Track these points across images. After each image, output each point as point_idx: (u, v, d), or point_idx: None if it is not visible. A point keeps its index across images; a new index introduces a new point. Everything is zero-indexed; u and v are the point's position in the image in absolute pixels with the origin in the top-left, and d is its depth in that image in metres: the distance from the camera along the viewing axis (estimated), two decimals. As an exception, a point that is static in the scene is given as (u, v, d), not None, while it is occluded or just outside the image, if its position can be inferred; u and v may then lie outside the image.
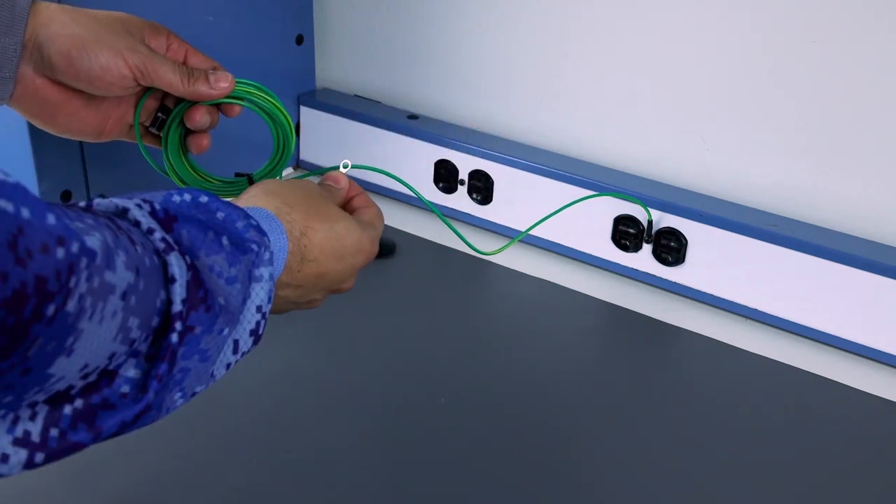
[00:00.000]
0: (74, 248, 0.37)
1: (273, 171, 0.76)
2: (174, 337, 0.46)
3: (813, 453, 0.80)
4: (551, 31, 1.05)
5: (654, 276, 1.00)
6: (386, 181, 1.16)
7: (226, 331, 0.50)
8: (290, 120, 0.74)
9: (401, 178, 0.80)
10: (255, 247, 0.53)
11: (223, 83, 0.70)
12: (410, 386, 0.86)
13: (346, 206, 0.70)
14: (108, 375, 0.44)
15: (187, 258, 0.48)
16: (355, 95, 1.23)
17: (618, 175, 1.03)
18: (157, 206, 0.50)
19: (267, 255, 0.54)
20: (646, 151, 1.03)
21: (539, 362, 0.91)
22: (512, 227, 1.08)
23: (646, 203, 0.96)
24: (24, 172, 0.90)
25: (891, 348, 0.89)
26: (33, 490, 0.72)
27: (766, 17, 0.91)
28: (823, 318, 0.91)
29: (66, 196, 0.93)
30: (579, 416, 0.84)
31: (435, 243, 1.10)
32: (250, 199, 0.61)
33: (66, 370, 0.40)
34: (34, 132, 0.87)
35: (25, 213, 0.35)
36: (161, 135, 0.73)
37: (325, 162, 1.11)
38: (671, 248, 0.97)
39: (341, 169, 0.72)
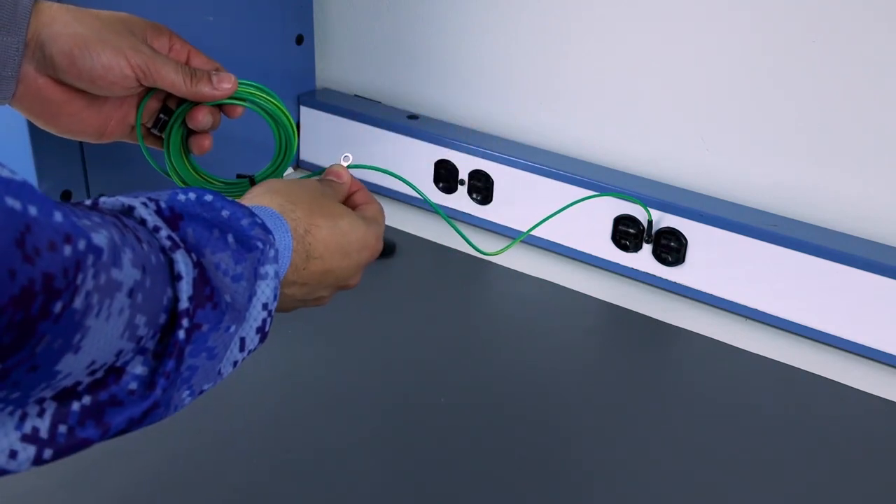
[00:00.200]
0: (81, 245, 0.37)
1: (275, 173, 0.76)
2: (181, 334, 0.46)
3: (813, 453, 0.80)
4: (551, 31, 1.05)
5: (654, 276, 1.00)
6: (385, 181, 1.16)
7: (232, 328, 0.51)
8: (292, 121, 0.74)
9: (405, 178, 0.79)
10: (260, 244, 0.53)
11: (226, 84, 0.70)
12: (410, 386, 0.86)
13: (348, 202, 0.70)
14: (115, 372, 0.44)
15: (193, 256, 0.48)
16: (355, 95, 1.23)
17: (618, 175, 1.03)
18: (163, 205, 0.50)
19: (272, 253, 0.54)
20: (646, 151, 1.03)
21: (539, 362, 0.91)
22: (512, 227, 1.08)
23: (646, 203, 0.96)
24: (25, 172, 0.90)
25: (891, 348, 0.89)
26: (34, 490, 0.72)
27: (766, 17, 0.91)
28: (823, 318, 0.91)
29: (65, 196, 0.93)
30: (579, 416, 0.84)
31: (435, 243, 1.10)
32: (254, 199, 0.61)
33: (74, 367, 0.40)
34: (34, 132, 0.87)
35: (33, 210, 0.35)
36: (163, 136, 0.73)
37: (325, 162, 1.10)
38: (671, 248, 0.97)
39: (342, 162, 0.72)
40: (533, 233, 0.96)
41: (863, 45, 0.87)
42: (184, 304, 0.46)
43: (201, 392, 0.51)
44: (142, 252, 0.43)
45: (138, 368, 0.45)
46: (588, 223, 1.02)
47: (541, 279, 1.03)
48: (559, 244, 1.05)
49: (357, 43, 1.21)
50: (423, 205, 1.15)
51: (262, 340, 0.54)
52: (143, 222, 0.48)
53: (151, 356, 0.46)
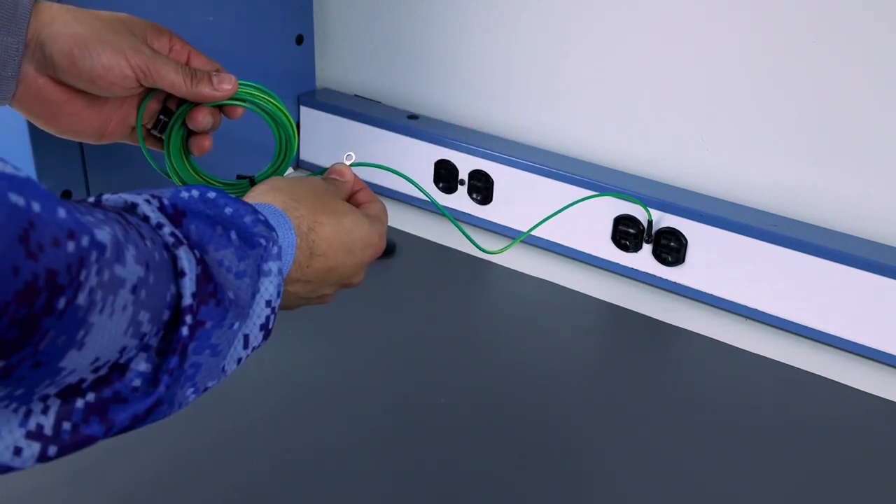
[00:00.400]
0: (85, 241, 0.37)
1: (275, 173, 0.76)
2: (185, 331, 0.46)
3: (813, 453, 0.80)
4: (551, 31, 1.05)
5: (654, 276, 1.00)
6: (386, 180, 1.16)
7: (236, 325, 0.51)
8: (292, 121, 0.74)
9: (409, 177, 0.79)
10: (263, 241, 0.53)
11: (226, 85, 0.70)
12: (410, 386, 0.86)
13: (351, 201, 0.70)
14: (119, 369, 0.44)
15: (196, 252, 0.48)
16: (355, 95, 1.23)
17: (618, 175, 1.03)
18: (166, 202, 0.50)
19: (275, 250, 0.54)
20: (646, 151, 1.03)
21: (539, 362, 0.91)
22: (512, 227, 1.08)
23: (646, 203, 0.96)
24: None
25: (891, 348, 0.89)
26: (35, 489, 0.72)
27: (766, 17, 0.91)
28: (823, 318, 0.91)
29: (65, 196, 0.93)
30: (579, 416, 0.84)
31: (435, 243, 1.10)
32: (257, 196, 0.61)
33: (78, 363, 0.40)
34: (34, 132, 0.87)
35: (36, 206, 0.35)
36: (163, 137, 0.73)
37: (325, 162, 1.11)
38: (671, 248, 0.97)
39: (344, 160, 0.72)
40: (533, 233, 0.96)
41: (863, 45, 0.87)
42: (187, 300, 0.46)
43: (205, 389, 0.51)
44: (145, 249, 0.43)
45: (142, 365, 0.45)
46: (588, 223, 1.02)
47: (541, 279, 1.03)
48: (559, 244, 1.05)
49: (357, 43, 1.21)
50: (423, 205, 1.15)
51: (265, 338, 0.54)
52: (146, 219, 0.48)
53: (155, 353, 0.46)
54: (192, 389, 0.49)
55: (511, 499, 0.74)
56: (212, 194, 0.54)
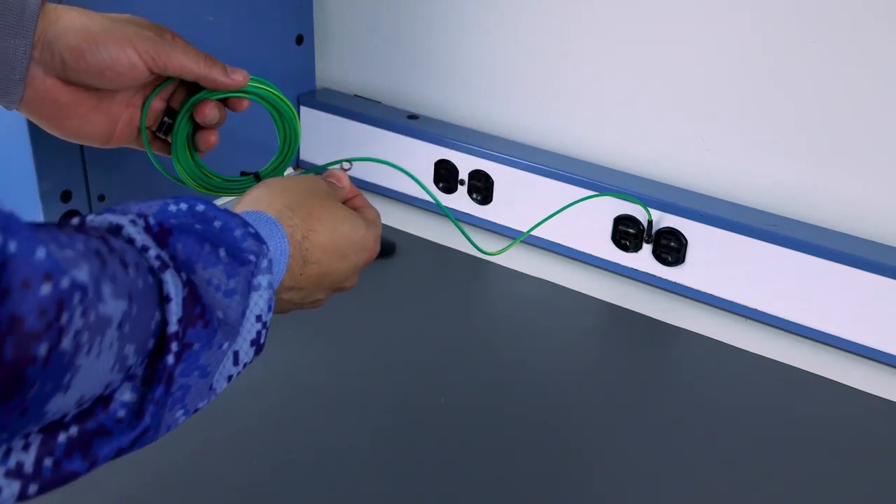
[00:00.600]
0: (65, 283, 0.36)
1: (280, 167, 0.77)
2: (170, 359, 0.45)
3: (813, 453, 0.80)
4: (551, 31, 1.05)
5: (654, 276, 1.00)
6: (385, 180, 1.16)
7: (225, 345, 0.50)
8: (296, 113, 0.74)
9: (411, 173, 0.80)
10: (252, 258, 0.52)
11: (238, 76, 0.70)
12: (410, 386, 0.86)
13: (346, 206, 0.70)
14: (103, 401, 0.43)
15: (183, 275, 0.47)
16: (355, 95, 1.23)
17: (618, 175, 1.03)
18: (152, 221, 0.49)
19: (265, 263, 0.53)
20: (646, 151, 1.03)
21: (539, 362, 0.91)
22: (512, 227, 1.08)
23: (646, 203, 0.96)
24: (24, 172, 0.90)
25: (891, 348, 0.89)
26: (33, 490, 0.72)
27: (766, 17, 0.91)
28: (823, 318, 0.91)
29: (65, 196, 0.93)
30: (579, 416, 0.84)
31: (435, 243, 1.10)
32: (252, 202, 0.60)
33: (63, 405, 0.39)
34: (34, 132, 0.87)
35: (12, 246, 0.33)
36: (168, 140, 0.73)
37: (325, 162, 1.11)
38: (671, 248, 0.97)
39: (343, 167, 0.73)
40: (533, 233, 0.96)
41: (863, 45, 0.87)
42: (173, 327, 0.45)
43: (196, 410, 0.50)
44: (126, 279, 0.42)
45: (126, 395, 0.44)
46: (588, 223, 1.02)
47: (541, 279, 1.03)
48: (559, 244, 1.05)
49: (357, 43, 1.21)
50: (423, 204, 1.15)
51: (257, 353, 0.53)
52: (131, 241, 0.46)
53: (140, 382, 0.45)
54: (181, 412, 0.48)
55: (511, 499, 0.74)
56: (200, 206, 0.52)
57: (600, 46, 1.02)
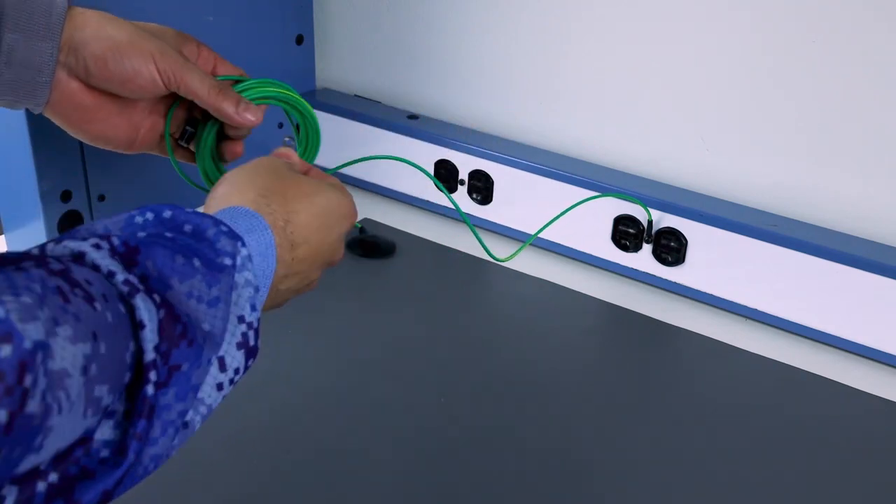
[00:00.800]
0: (27, 343, 0.33)
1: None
2: (149, 389, 0.42)
3: (813, 453, 0.80)
4: (551, 31, 1.05)
5: (654, 276, 1.00)
6: (385, 180, 1.16)
7: (213, 358, 0.48)
8: (314, 115, 0.76)
9: (439, 182, 0.80)
10: (228, 260, 0.49)
11: (250, 116, 0.70)
12: (410, 386, 0.86)
13: None
14: (82, 443, 0.40)
15: (156, 296, 0.44)
16: (355, 95, 1.23)
17: (618, 175, 1.03)
18: (116, 242, 0.45)
19: (240, 261, 0.50)
20: (646, 151, 1.03)
21: (539, 362, 0.91)
22: (512, 227, 1.08)
23: (646, 203, 0.96)
24: (24, 172, 0.90)
25: (891, 348, 0.89)
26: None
27: (766, 17, 0.91)
28: (823, 318, 0.91)
29: (65, 196, 0.93)
30: (579, 416, 0.84)
31: (435, 243, 1.10)
32: (223, 199, 0.57)
33: (37, 461, 0.37)
34: (34, 132, 0.87)
35: None
36: (191, 148, 0.74)
37: (324, 162, 1.11)
38: (671, 248, 0.97)
39: (287, 142, 0.73)
40: (533, 233, 0.96)
41: (863, 45, 0.87)
42: (149, 355, 0.42)
43: (194, 429, 0.48)
44: (92, 315, 0.39)
45: (108, 433, 0.41)
46: (588, 223, 1.02)
47: (541, 279, 1.03)
48: (559, 244, 1.05)
49: (357, 43, 1.21)
50: (423, 205, 1.15)
51: (249, 356, 0.50)
52: (96, 268, 0.43)
53: (122, 416, 0.42)
54: (177, 438, 0.46)
55: (511, 498, 0.74)
56: (168, 213, 0.50)
57: (600, 46, 1.02)
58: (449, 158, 1.10)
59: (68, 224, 0.94)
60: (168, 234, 0.48)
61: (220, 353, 0.48)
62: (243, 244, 0.51)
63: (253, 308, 0.50)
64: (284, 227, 0.57)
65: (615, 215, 1.00)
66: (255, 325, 0.51)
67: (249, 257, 0.51)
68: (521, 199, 1.06)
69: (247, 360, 0.50)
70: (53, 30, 0.64)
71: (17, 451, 0.34)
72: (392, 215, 1.14)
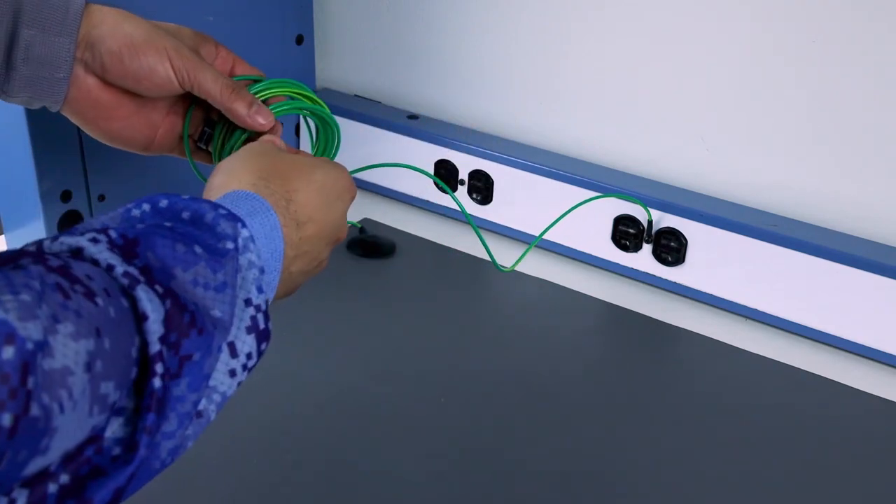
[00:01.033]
0: (29, 344, 0.33)
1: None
2: (156, 382, 0.42)
3: (813, 453, 0.80)
4: (551, 31, 1.05)
5: (654, 276, 1.00)
6: (385, 181, 1.16)
7: (223, 344, 0.47)
8: (336, 122, 0.76)
9: (451, 191, 0.80)
10: (230, 244, 0.49)
11: (261, 119, 0.69)
12: (410, 386, 0.86)
13: None
14: (92, 441, 0.40)
15: (158, 287, 0.43)
16: (355, 95, 1.23)
17: (618, 175, 1.03)
18: (114, 234, 0.44)
19: (242, 242, 0.49)
20: (646, 151, 1.03)
21: (539, 362, 0.91)
22: (512, 227, 1.08)
23: (646, 203, 0.96)
24: (24, 172, 0.90)
25: (891, 348, 0.89)
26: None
27: (767, 18, 0.91)
28: (823, 318, 0.91)
29: (65, 196, 0.93)
30: (579, 416, 0.84)
31: (435, 243, 1.10)
32: (221, 187, 0.57)
33: (45, 463, 0.37)
34: (34, 132, 0.87)
35: None
36: (208, 149, 0.74)
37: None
38: (671, 248, 0.97)
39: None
40: (533, 233, 0.96)
41: (863, 45, 0.87)
42: (154, 347, 0.42)
43: (204, 415, 0.47)
44: (94, 311, 0.38)
45: (118, 431, 0.41)
46: (588, 223, 1.02)
47: (541, 279, 1.03)
48: (559, 244, 1.05)
49: (357, 43, 1.21)
50: (423, 205, 1.15)
51: (261, 339, 0.49)
52: (95, 263, 0.42)
53: (132, 412, 0.42)
54: (191, 430, 0.45)
55: (512, 498, 0.74)
56: (164, 202, 0.49)
57: (600, 46, 1.02)
58: (449, 158, 1.10)
59: (68, 224, 0.94)
60: (167, 224, 0.48)
61: (230, 338, 0.47)
62: (243, 225, 0.50)
63: (259, 290, 0.49)
64: (287, 206, 0.56)
65: (615, 215, 1.00)
66: (264, 307, 0.50)
67: (251, 238, 0.50)
68: (521, 200, 1.06)
69: (259, 345, 0.49)
70: (70, 26, 0.64)
71: (22, 454, 0.34)
72: (392, 215, 1.14)
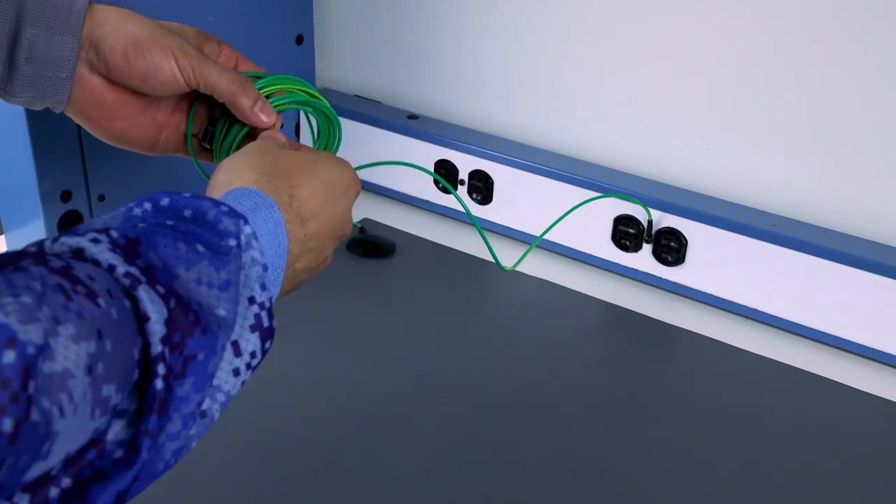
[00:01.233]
0: (30, 348, 0.33)
1: None
2: (158, 383, 0.41)
3: (813, 453, 0.80)
4: (551, 31, 1.05)
5: (654, 276, 1.00)
6: (385, 180, 1.16)
7: (228, 344, 0.47)
8: (338, 119, 0.75)
9: (456, 193, 0.80)
10: (233, 241, 0.48)
11: (264, 116, 0.69)
12: (410, 386, 0.86)
13: None
14: (94, 444, 0.39)
15: (160, 287, 0.43)
16: (355, 95, 1.23)
17: (618, 175, 1.03)
18: (116, 234, 0.44)
19: (244, 239, 0.49)
20: (646, 151, 1.03)
21: (539, 362, 0.91)
22: (512, 227, 1.08)
23: (646, 203, 0.96)
24: (24, 172, 0.90)
25: (891, 348, 0.89)
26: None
27: (767, 18, 0.91)
28: (823, 318, 0.91)
29: (65, 196, 0.93)
30: (579, 416, 0.84)
31: (435, 243, 1.10)
32: (223, 186, 0.56)
33: (47, 467, 0.36)
34: (34, 132, 0.87)
35: None
36: (212, 149, 0.74)
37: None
38: (671, 248, 0.97)
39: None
40: (533, 233, 0.96)
41: (863, 45, 0.87)
42: (156, 348, 0.41)
43: (208, 415, 0.46)
44: (96, 312, 0.38)
45: (121, 433, 0.40)
46: (588, 223, 1.02)
47: (541, 279, 1.03)
48: (559, 244, 1.05)
49: (357, 43, 1.21)
50: (423, 205, 1.15)
51: (265, 337, 0.49)
52: (96, 263, 0.42)
53: (134, 414, 0.41)
54: (195, 430, 0.45)
55: (512, 498, 0.74)
56: (165, 200, 0.49)
57: (600, 46, 1.02)
58: (449, 158, 1.10)
59: (68, 224, 0.94)
60: (168, 222, 0.47)
61: (234, 337, 0.47)
62: (246, 222, 0.49)
63: (263, 287, 0.49)
64: (290, 202, 0.56)
65: (615, 215, 1.00)
66: (268, 305, 0.49)
67: (254, 235, 0.49)
68: (521, 199, 1.06)
69: (263, 343, 0.49)
70: (74, 25, 0.63)
71: (23, 459, 0.34)
72: (392, 215, 1.14)
